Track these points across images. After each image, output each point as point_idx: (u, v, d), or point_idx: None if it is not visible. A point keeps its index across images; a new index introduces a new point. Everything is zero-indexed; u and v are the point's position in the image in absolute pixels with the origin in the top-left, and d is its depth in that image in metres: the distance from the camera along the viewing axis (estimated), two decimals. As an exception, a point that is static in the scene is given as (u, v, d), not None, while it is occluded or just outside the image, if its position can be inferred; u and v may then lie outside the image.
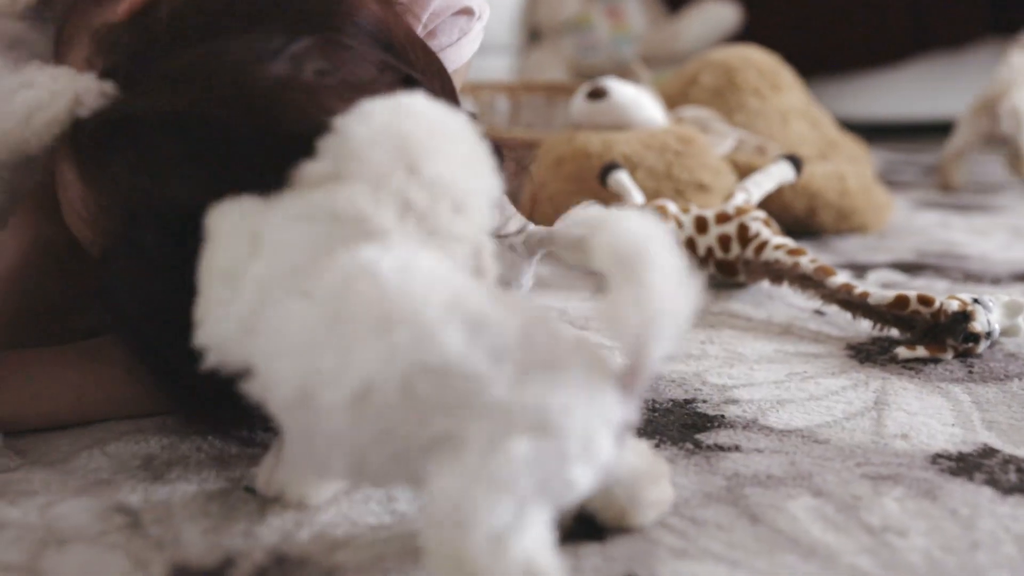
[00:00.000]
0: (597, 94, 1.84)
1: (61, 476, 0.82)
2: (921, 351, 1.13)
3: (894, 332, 1.22)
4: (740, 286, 1.47)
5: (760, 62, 2.17)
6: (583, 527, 0.73)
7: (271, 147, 0.69)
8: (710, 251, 1.44)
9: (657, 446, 0.89)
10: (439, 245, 0.65)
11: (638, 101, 1.84)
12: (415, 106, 0.68)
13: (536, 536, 0.58)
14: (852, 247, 1.81)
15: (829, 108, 2.55)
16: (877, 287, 1.26)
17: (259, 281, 0.64)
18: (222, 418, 0.84)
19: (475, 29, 1.09)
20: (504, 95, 2.40)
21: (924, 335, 1.16)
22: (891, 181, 2.50)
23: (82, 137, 0.78)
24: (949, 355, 1.14)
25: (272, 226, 0.65)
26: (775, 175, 1.59)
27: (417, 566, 0.68)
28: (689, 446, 0.89)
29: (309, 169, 0.66)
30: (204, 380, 0.69)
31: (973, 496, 0.80)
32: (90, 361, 0.92)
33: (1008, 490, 0.80)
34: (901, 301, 1.18)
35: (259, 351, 0.64)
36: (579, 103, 1.87)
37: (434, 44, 1.04)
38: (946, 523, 0.75)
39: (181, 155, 0.72)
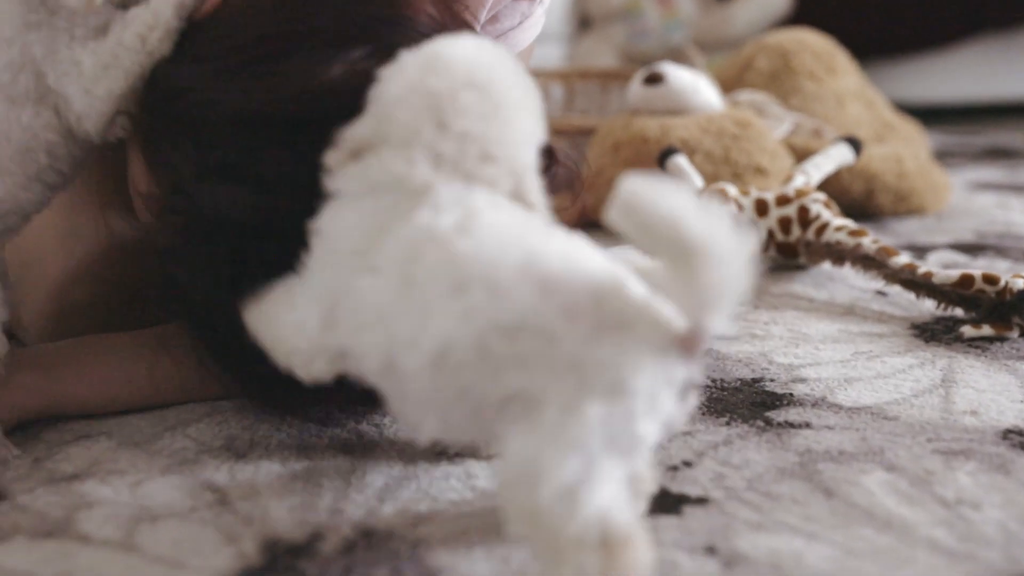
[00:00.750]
0: (654, 79, 1.84)
1: (147, 456, 0.85)
2: (987, 330, 1.13)
3: (958, 311, 1.22)
4: (801, 268, 1.47)
5: (815, 45, 2.17)
6: (660, 501, 0.75)
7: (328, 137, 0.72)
8: (771, 234, 1.44)
9: (728, 424, 0.90)
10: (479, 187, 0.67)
11: (695, 86, 1.84)
12: (449, 57, 0.68)
13: (610, 492, 0.59)
14: (910, 229, 1.81)
15: (883, 91, 2.54)
16: (939, 267, 1.26)
17: (326, 283, 0.67)
18: (291, 401, 0.85)
19: (536, 13, 1.10)
20: (558, 82, 2.41)
21: (989, 314, 1.17)
22: (947, 163, 2.49)
23: (148, 126, 0.80)
24: (1015, 333, 1.14)
25: (324, 220, 0.67)
26: (835, 157, 1.59)
27: (500, 540, 0.70)
28: (760, 423, 0.90)
29: (348, 132, 0.68)
30: (268, 365, 0.72)
31: (1046, 470, 0.80)
32: (164, 345, 0.94)
33: (1081, 464, 0.81)
34: (966, 280, 1.18)
35: (343, 334, 0.66)
36: (636, 88, 1.87)
37: (497, 28, 1.06)
38: (1020, 496, 0.76)
39: (240, 150, 0.75)
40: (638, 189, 0.57)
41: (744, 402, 0.95)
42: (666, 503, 0.75)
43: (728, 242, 0.56)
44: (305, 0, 0.79)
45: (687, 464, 0.82)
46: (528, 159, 0.69)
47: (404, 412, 0.66)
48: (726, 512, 0.74)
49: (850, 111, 2.08)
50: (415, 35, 0.77)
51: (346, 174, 0.67)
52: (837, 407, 0.94)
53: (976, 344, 1.12)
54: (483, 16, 1.02)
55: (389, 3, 0.79)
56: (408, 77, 0.67)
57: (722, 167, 1.72)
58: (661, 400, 0.59)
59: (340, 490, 0.78)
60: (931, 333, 1.17)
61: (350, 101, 0.70)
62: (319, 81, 0.74)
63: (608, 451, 0.58)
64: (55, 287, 1.01)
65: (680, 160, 1.60)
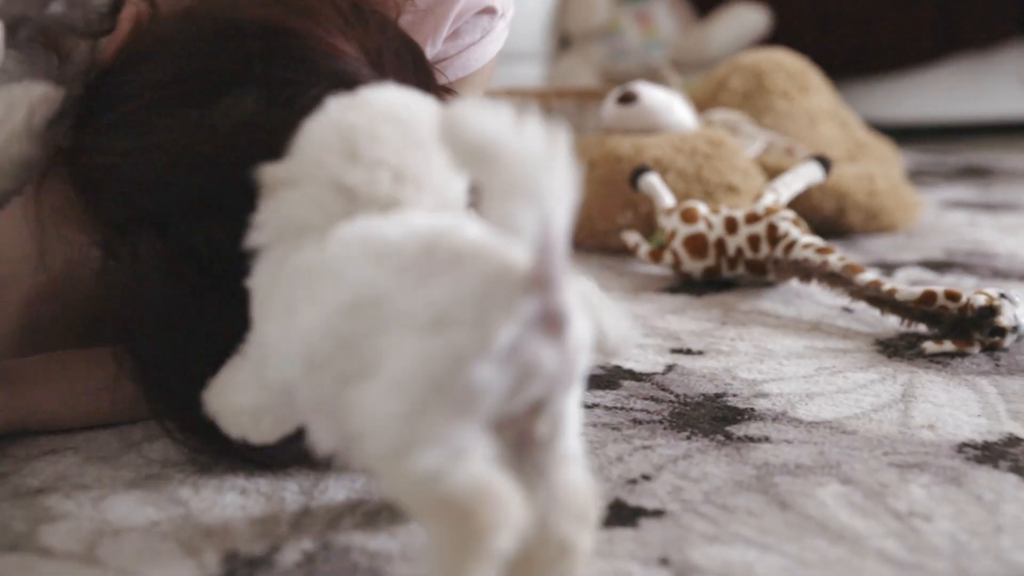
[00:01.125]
0: (628, 98, 1.86)
1: (113, 470, 0.85)
2: (948, 345, 1.15)
3: (922, 328, 1.23)
4: (769, 285, 1.49)
5: (789, 65, 2.19)
6: (617, 514, 0.76)
7: (232, 191, 0.72)
8: (740, 251, 1.46)
9: (688, 438, 0.91)
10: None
11: (668, 105, 1.86)
12: (372, 97, 0.70)
13: (444, 454, 0.56)
14: (880, 246, 1.83)
15: (857, 110, 2.56)
16: (905, 284, 1.27)
17: (256, 339, 0.69)
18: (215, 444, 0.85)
19: (498, 27, 1.09)
20: (535, 101, 2.42)
21: (951, 330, 1.18)
22: (921, 182, 2.51)
23: (75, 170, 0.82)
24: (976, 349, 1.15)
25: (253, 277, 0.70)
26: (804, 175, 1.61)
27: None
28: (720, 438, 0.91)
29: (268, 171, 0.70)
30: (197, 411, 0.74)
31: (998, 483, 0.81)
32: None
33: (1032, 477, 0.82)
34: (929, 296, 1.19)
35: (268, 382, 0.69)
36: (610, 107, 1.89)
37: (457, 43, 1.06)
38: (971, 508, 0.77)
39: (153, 207, 0.76)
40: (455, 112, 0.56)
41: (705, 416, 0.97)
42: (623, 515, 0.76)
43: (517, 133, 0.55)
44: (190, 39, 0.79)
45: (646, 477, 0.83)
46: (456, 193, 0.70)
47: (312, 434, 0.66)
48: (681, 524, 0.75)
49: (822, 130, 2.10)
50: (316, 72, 0.76)
51: (259, 224, 0.69)
52: (797, 422, 0.95)
53: (938, 360, 1.14)
54: (445, 32, 1.02)
55: (284, 36, 0.77)
56: (328, 115, 0.69)
57: (694, 185, 1.74)
58: (497, 335, 0.56)
59: (301, 504, 0.79)
60: (894, 349, 1.18)
61: (227, 164, 0.72)
62: (193, 148, 0.75)
63: (436, 399, 0.56)
64: (24, 304, 1.01)
65: (652, 179, 1.62)
